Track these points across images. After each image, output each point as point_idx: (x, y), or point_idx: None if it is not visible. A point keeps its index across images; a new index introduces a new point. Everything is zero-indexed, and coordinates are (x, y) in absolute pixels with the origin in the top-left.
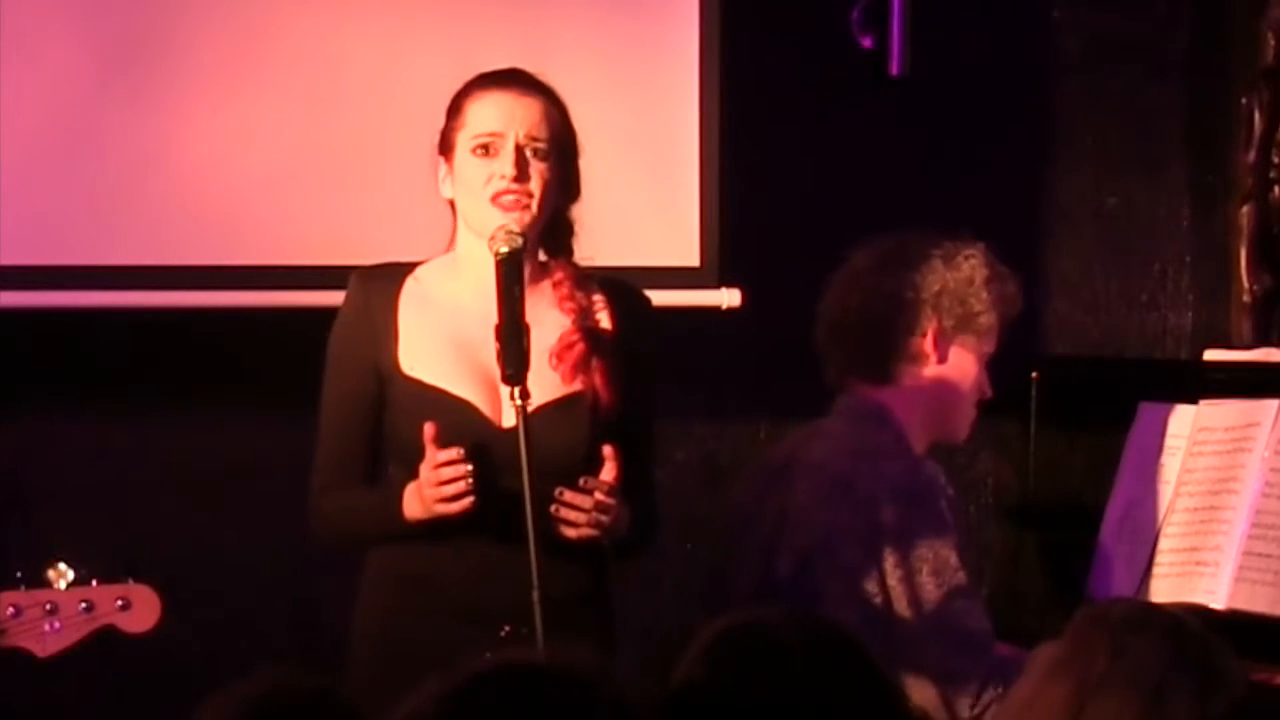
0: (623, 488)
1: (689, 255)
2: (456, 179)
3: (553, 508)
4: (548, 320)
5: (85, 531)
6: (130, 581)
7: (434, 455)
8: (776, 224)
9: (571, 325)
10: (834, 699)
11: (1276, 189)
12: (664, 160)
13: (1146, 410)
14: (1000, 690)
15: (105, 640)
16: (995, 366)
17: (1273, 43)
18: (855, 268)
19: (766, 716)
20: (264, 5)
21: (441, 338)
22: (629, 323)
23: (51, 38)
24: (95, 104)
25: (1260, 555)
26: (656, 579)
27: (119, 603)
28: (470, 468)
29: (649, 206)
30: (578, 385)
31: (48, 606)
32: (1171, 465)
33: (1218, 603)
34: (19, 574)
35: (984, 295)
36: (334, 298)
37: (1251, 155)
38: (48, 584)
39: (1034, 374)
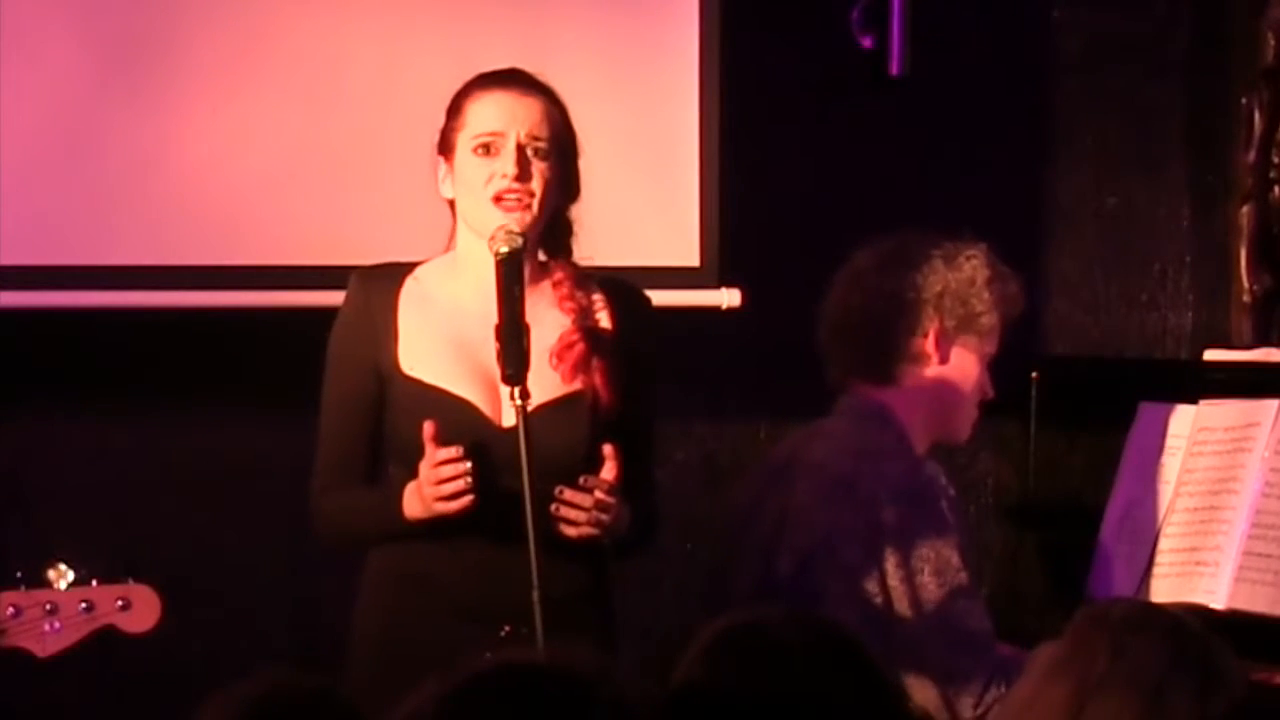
0: (623, 487)
1: (689, 255)
2: (457, 179)
3: (553, 507)
4: (548, 320)
5: (85, 531)
6: (130, 581)
7: (433, 454)
8: (776, 224)
9: (571, 325)
10: (834, 699)
11: (1276, 189)
12: (664, 160)
13: (1146, 410)
14: (1004, 690)
15: (105, 640)
16: (995, 367)
17: (1273, 43)
18: (857, 268)
19: (766, 716)
20: (264, 5)
21: (441, 337)
22: (629, 322)
23: (51, 38)
24: (95, 104)
25: (1260, 555)
26: (656, 579)
27: (119, 603)
28: (470, 466)
29: (649, 206)
30: (578, 385)
31: (48, 606)
32: (1171, 465)
33: (1218, 603)
34: (19, 574)
35: (986, 295)
36: (334, 298)
37: (1251, 155)
38: (48, 584)
39: (1034, 374)
